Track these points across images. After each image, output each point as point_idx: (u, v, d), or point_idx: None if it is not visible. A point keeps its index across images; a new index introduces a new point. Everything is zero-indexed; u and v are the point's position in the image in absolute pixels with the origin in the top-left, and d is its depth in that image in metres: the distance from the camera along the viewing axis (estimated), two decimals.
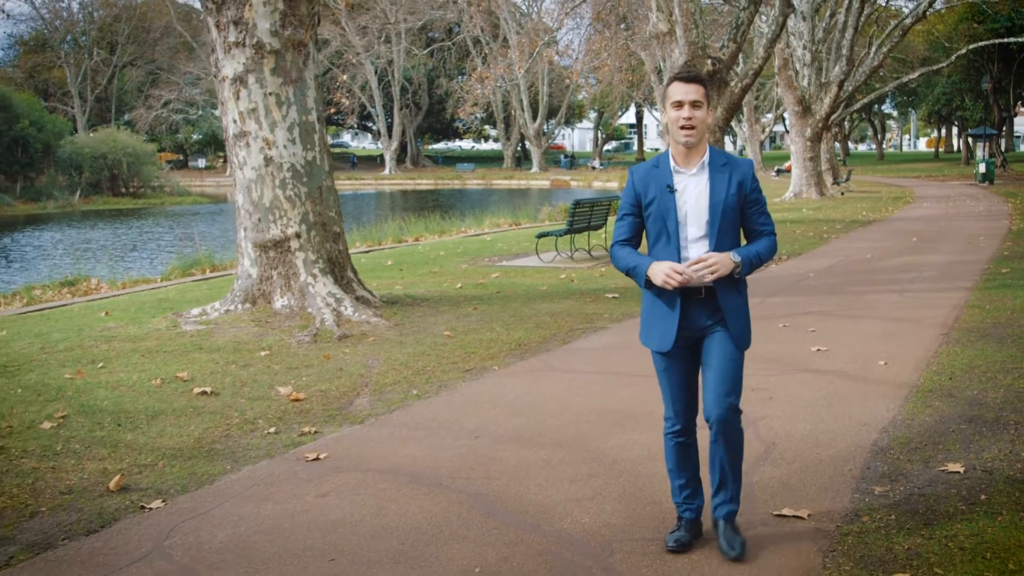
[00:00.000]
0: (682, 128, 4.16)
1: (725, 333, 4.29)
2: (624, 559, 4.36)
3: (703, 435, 4.50)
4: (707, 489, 4.57)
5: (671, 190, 4.22)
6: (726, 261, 4.15)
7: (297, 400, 7.34)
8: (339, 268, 11.05)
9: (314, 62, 10.99)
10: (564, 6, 48.33)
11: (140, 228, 34.60)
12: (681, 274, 4.12)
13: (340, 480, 5.53)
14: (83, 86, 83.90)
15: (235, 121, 10.73)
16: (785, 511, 4.87)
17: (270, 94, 10.62)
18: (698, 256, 4.18)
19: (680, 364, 4.37)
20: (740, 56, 28.25)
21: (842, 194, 38.51)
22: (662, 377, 4.43)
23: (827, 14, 39.05)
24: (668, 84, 4.25)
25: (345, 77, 75.02)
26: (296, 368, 8.41)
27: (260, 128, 10.63)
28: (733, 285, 4.28)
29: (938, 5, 42.59)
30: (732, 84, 23.74)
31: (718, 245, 4.22)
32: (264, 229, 10.74)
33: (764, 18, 31.82)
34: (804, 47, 36.07)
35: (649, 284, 4.27)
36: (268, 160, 10.65)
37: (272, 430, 6.58)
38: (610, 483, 5.36)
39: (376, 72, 79.12)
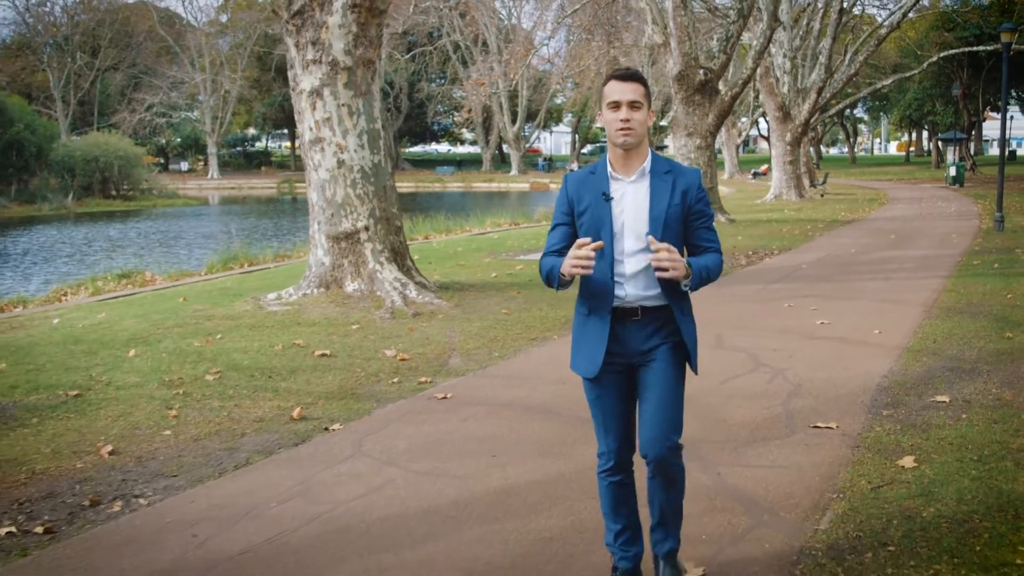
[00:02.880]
0: (620, 130, 3.82)
1: (665, 361, 3.92)
2: (708, 451, 6.01)
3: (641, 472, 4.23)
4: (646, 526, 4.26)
5: (607, 198, 3.88)
6: (681, 266, 3.73)
7: (404, 360, 8.94)
8: (400, 257, 12.64)
9: (379, 77, 12.56)
10: (547, 14, 50.04)
11: (153, 227, 36.02)
12: (583, 247, 3.70)
13: (471, 411, 7.14)
14: (66, 90, 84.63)
15: (311, 128, 12.30)
16: (819, 424, 6.54)
17: (343, 105, 12.20)
18: (653, 251, 3.74)
19: (613, 393, 4.00)
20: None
21: (822, 196, 40.30)
22: (593, 407, 4.07)
23: (804, 22, 40.87)
24: (605, 83, 3.92)
25: None
26: (389, 338, 10.01)
27: (334, 135, 12.20)
28: (680, 301, 3.94)
29: (910, 14, 44.51)
30: (723, 92, 25.48)
31: None
32: (336, 223, 12.31)
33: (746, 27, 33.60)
34: (784, 55, 37.92)
35: (584, 290, 3.98)
36: (340, 163, 12.23)
37: (395, 380, 8.19)
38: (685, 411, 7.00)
39: None
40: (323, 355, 9.13)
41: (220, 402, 7.52)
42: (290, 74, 12.56)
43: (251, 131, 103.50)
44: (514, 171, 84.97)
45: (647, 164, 3.92)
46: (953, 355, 8.74)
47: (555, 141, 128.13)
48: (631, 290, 3.87)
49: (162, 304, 12.94)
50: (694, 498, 5.22)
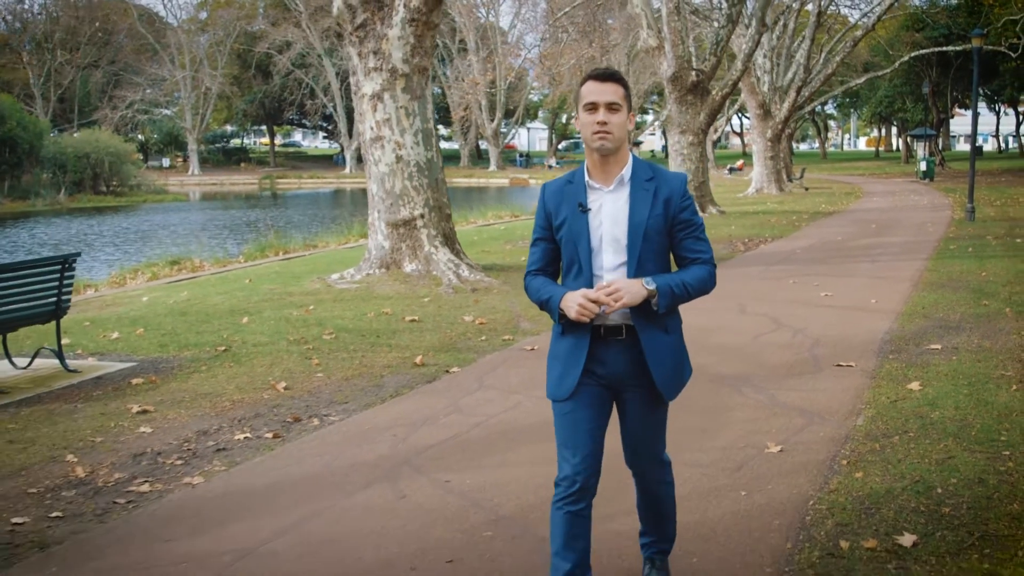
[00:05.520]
0: (596, 133, 3.60)
1: (646, 392, 3.70)
2: (758, 381, 7.74)
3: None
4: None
5: (583, 209, 3.66)
6: (635, 288, 3.52)
7: (482, 323, 10.62)
8: (451, 241, 14.30)
9: (431, 81, 14.20)
10: (525, 11, 51.76)
11: (164, 221, 37.48)
12: (595, 302, 3.50)
13: None
14: (46, 87, 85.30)
15: (372, 128, 13.93)
16: (840, 363, 8.29)
17: (400, 107, 13.84)
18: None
19: (586, 411, 3.71)
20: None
21: (806, 189, 42.22)
22: (559, 424, 3.77)
23: (781, 22, 42.75)
24: (582, 83, 3.70)
25: (307, 78, 78.34)
26: (460, 308, 11.68)
27: (393, 133, 13.84)
28: (656, 322, 3.65)
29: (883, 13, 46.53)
30: (714, 92, 27.28)
31: (638, 275, 3.60)
32: (395, 211, 13.96)
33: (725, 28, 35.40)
34: (764, 55, 39.79)
35: (563, 319, 3.67)
36: (399, 158, 13.87)
37: (483, 338, 9.87)
38: (729, 357, 8.75)
39: (338, 75, 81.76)
40: (413, 320, 10.79)
41: (347, 354, 9.17)
42: (352, 80, 14.19)
43: (228, 128, 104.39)
44: (492, 167, 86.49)
45: (627, 171, 3.69)
46: (940, 317, 10.52)
47: (531, 137, 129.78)
48: None
49: (232, 285, 14.51)
50: (757, 409, 6.96)
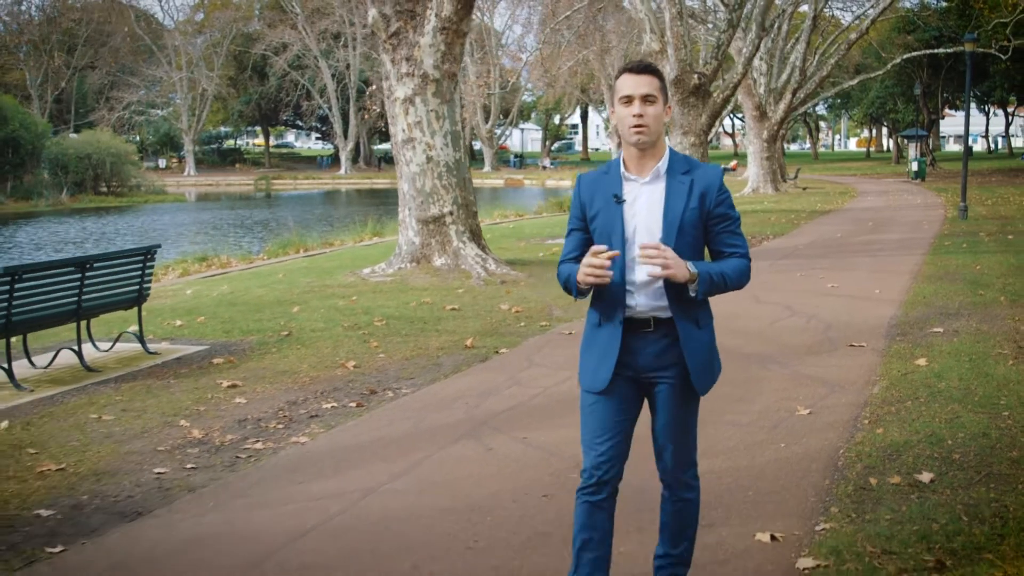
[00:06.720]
0: (633, 127, 3.61)
1: (675, 384, 3.70)
2: (781, 359, 8.63)
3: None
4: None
5: (618, 201, 3.67)
6: (681, 264, 3.51)
7: (518, 311, 11.48)
8: (477, 237, 15.17)
9: (459, 86, 15.06)
10: (520, 12, 52.67)
11: (175, 220, 38.36)
12: (598, 255, 3.51)
13: None
14: (43, 88, 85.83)
15: (403, 130, 14.79)
16: (853, 344, 9.19)
17: (431, 111, 14.70)
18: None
19: (612, 406, 3.73)
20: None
21: (804, 189, 43.20)
22: (586, 417, 3.79)
23: (776, 25, 43.72)
24: (618, 76, 3.70)
25: (304, 80, 79.13)
26: (494, 298, 12.55)
27: (424, 135, 14.70)
28: (690, 314, 3.68)
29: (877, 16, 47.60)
30: (715, 95, 28.20)
31: None
32: (425, 208, 14.82)
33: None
34: (760, 58, 40.73)
35: (595, 297, 3.75)
36: (429, 159, 14.73)
37: (522, 324, 10.74)
38: (752, 339, 9.64)
39: (334, 76, 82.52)
40: (453, 309, 11.65)
41: (401, 338, 10.03)
42: (384, 84, 15.05)
43: (222, 129, 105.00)
44: (487, 168, 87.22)
45: (663, 164, 3.69)
46: (940, 305, 11.43)
47: (524, 138, 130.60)
48: (642, 299, 3.64)
49: (267, 279, 15.34)
50: (784, 380, 7.85)
